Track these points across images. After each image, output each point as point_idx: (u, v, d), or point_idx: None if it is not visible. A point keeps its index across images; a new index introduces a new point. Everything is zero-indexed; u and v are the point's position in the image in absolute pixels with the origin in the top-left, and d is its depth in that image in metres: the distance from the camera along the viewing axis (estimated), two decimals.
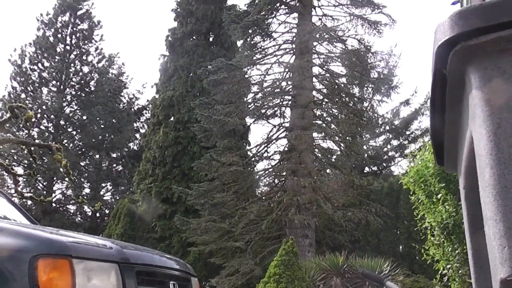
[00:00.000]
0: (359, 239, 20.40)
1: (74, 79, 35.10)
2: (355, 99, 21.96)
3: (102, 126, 34.17)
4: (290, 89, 20.92)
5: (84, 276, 2.83)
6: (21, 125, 27.22)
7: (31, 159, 24.02)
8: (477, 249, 1.73)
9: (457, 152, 1.58)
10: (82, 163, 33.89)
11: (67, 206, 33.15)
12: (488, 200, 1.21)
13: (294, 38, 21.27)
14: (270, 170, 20.95)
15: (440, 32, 1.29)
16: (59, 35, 35.13)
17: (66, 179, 24.61)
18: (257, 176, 21.23)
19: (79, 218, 33.05)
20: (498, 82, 1.23)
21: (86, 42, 35.53)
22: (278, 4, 21.67)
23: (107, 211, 31.22)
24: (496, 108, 1.22)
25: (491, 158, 1.20)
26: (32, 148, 17.63)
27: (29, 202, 25.33)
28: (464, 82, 1.32)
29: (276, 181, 21.26)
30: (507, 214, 1.16)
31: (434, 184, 8.09)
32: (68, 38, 35.28)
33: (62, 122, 34.25)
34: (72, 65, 35.11)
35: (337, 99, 20.94)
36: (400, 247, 21.35)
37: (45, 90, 34.65)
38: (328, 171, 20.93)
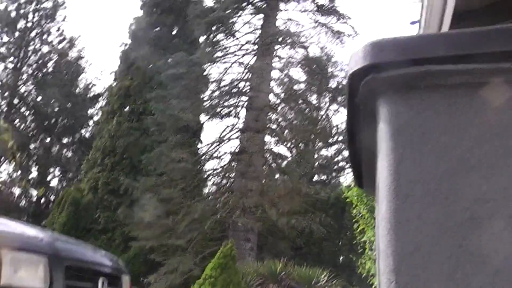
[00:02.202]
0: (301, 247, 20.40)
1: (32, 58, 34.27)
2: (311, 106, 21.99)
3: (56, 109, 33.39)
4: (248, 90, 20.78)
5: (11, 266, 2.78)
6: None
7: None
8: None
9: (374, 178, 1.53)
10: (32, 146, 33.08)
11: (12, 188, 32.32)
12: (382, 233, 1.22)
13: (257, 39, 21.20)
14: (219, 170, 20.80)
15: (354, 61, 1.29)
16: (22, 11, 34.22)
17: (12, 161, 23.97)
18: (206, 175, 21.07)
19: (24, 203, 32.24)
20: (405, 117, 1.24)
21: (48, 21, 34.69)
22: (244, 4, 21.51)
23: (52, 198, 30.54)
24: (399, 144, 1.23)
25: (389, 192, 1.22)
26: None
27: None
28: (375, 113, 1.31)
29: (224, 181, 21.09)
30: (397, 249, 1.18)
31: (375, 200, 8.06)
32: (30, 15, 34.43)
33: (15, 101, 33.37)
34: (31, 43, 34.29)
35: (293, 105, 20.92)
36: (341, 258, 21.43)
37: (1, 65, 33.74)
38: (277, 176, 20.86)
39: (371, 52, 1.26)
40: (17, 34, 33.93)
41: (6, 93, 33.05)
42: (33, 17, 34.45)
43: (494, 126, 1.18)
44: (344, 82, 21.76)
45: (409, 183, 1.19)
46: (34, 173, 32.61)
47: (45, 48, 34.57)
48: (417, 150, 1.21)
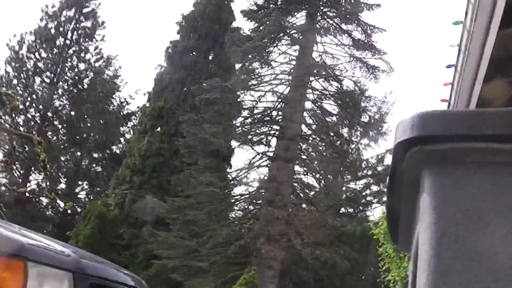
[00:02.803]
0: (323, 279, 20.32)
1: (68, 74, 34.99)
2: (342, 139, 22.05)
3: (89, 124, 34.00)
4: (280, 120, 20.97)
5: (37, 280, 2.75)
6: (7, 111, 26.95)
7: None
8: None
9: (411, 238, 1.57)
10: (62, 158, 33.61)
11: (40, 198, 32.82)
12: None
13: (292, 70, 21.39)
14: (246, 196, 20.90)
15: (400, 130, 1.28)
16: (61, 29, 35.06)
17: (42, 173, 24.34)
18: (233, 200, 21.19)
19: (50, 212, 32.66)
20: (449, 191, 1.23)
21: (86, 39, 35.48)
22: (281, 34, 21.76)
23: (79, 210, 30.92)
24: (442, 217, 1.21)
25: (429, 266, 1.20)
26: (13, 136, 17.56)
27: (3, 188, 25.00)
28: (418, 182, 1.31)
29: (251, 208, 21.18)
30: None
31: None
32: (69, 33, 35.22)
33: (49, 114, 34.02)
34: (68, 60, 35.02)
35: (324, 137, 21.02)
36: None
37: (38, 79, 34.47)
38: (304, 206, 20.91)
39: (419, 124, 1.26)
40: (55, 50, 34.72)
41: (41, 106, 33.72)
42: (72, 35, 35.26)
43: None
44: (377, 117, 21.91)
45: (449, 259, 1.18)
46: (62, 185, 33.08)
47: (82, 66, 35.33)
48: (459, 226, 1.20)
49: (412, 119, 1.27)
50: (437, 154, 1.24)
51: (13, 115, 23.36)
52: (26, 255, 2.69)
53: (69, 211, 32.03)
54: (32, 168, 31.36)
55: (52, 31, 34.69)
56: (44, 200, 32.89)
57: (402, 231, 1.64)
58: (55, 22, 34.85)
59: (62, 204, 31.06)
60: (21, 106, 31.28)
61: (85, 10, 35.59)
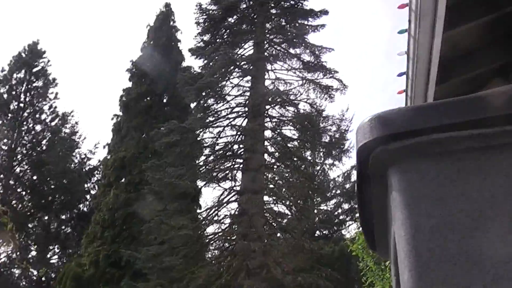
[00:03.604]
0: None
1: (26, 138, 34.49)
2: (306, 162, 22.12)
3: (53, 186, 33.41)
4: (242, 152, 20.89)
5: None
6: None
7: None
8: None
9: (387, 241, 1.60)
10: (30, 225, 32.87)
11: (12, 270, 31.92)
12: None
13: (247, 101, 21.43)
14: (220, 234, 20.63)
15: (361, 135, 1.32)
16: (13, 92, 34.69)
17: (11, 243, 23.76)
18: (207, 240, 20.90)
19: (24, 283, 31.79)
20: (417, 185, 1.26)
21: (40, 100, 35.11)
22: (232, 67, 21.84)
23: (53, 275, 30.16)
24: (414, 212, 1.24)
25: (410, 260, 1.22)
26: None
27: None
28: (385, 183, 1.34)
29: (226, 245, 20.92)
30: None
31: None
32: (22, 96, 34.86)
33: (11, 182, 33.35)
34: (24, 123, 34.56)
35: (288, 163, 21.00)
36: None
37: None
38: (278, 235, 20.77)
39: (377, 125, 1.30)
40: (9, 115, 34.22)
41: (1, 175, 33.05)
42: (25, 97, 34.88)
43: (505, 187, 1.21)
44: (337, 135, 22.01)
45: (427, 251, 1.20)
46: (33, 252, 32.29)
47: (38, 127, 34.93)
48: (432, 217, 1.22)
49: (370, 122, 1.31)
50: (400, 151, 1.27)
51: None
52: None
53: (43, 279, 31.21)
54: (0, 241, 30.54)
55: (5, 96, 34.29)
56: (16, 272, 32.04)
57: (378, 237, 1.67)
58: (7, 87, 34.46)
59: (35, 272, 30.33)
60: None
61: (35, 70, 35.31)
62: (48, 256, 32.52)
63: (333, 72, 21.21)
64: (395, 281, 1.65)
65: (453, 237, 1.20)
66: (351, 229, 27.16)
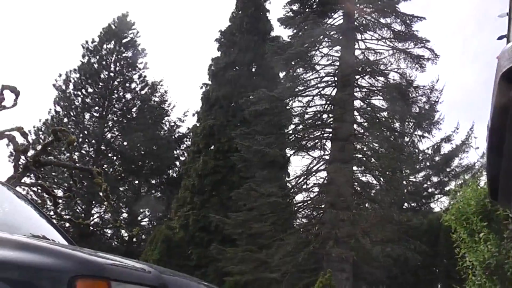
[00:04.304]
0: (396, 276, 20.06)
1: (116, 106, 35.70)
2: (395, 133, 21.84)
3: (143, 152, 34.57)
4: (331, 122, 20.94)
5: None
6: (63, 149, 27.67)
7: (71, 182, 24.58)
8: None
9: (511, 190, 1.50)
10: (121, 188, 34.28)
11: (105, 230, 33.52)
12: None
13: (337, 71, 21.36)
14: (308, 202, 20.90)
15: (504, 59, 1.23)
16: (104, 62, 35.86)
17: (105, 203, 24.93)
18: (296, 208, 21.22)
19: (116, 242, 33.31)
20: None
21: (130, 69, 36.15)
22: (321, 37, 21.76)
23: (143, 237, 31.43)
24: None
25: None
26: (73, 172, 18.00)
27: (67, 225, 25.67)
28: None
29: (315, 213, 21.16)
30: None
31: (476, 223, 8.00)
32: (112, 66, 35.98)
33: (103, 147, 34.76)
34: (115, 91, 35.73)
35: (377, 133, 20.84)
36: (439, 286, 20.94)
37: (87, 115, 35.28)
38: (367, 205, 20.78)
39: None
40: (100, 84, 35.46)
41: (93, 141, 34.50)
42: (115, 67, 35.98)
43: None
44: (427, 107, 21.60)
45: None
46: (124, 214, 33.70)
47: (128, 95, 35.95)
48: None
49: None
50: None
51: (70, 149, 24.01)
52: (109, 276, 2.71)
53: (134, 239, 32.60)
54: (93, 202, 32.09)
55: (95, 65, 35.52)
56: (109, 232, 33.64)
57: (502, 184, 1.62)
58: (97, 57, 35.68)
59: (126, 234, 31.66)
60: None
61: (124, 41, 36.31)
62: (139, 218, 33.91)
63: (424, 42, 20.78)
64: None
65: None
66: (440, 203, 26.73)
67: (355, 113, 21.18)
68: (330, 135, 20.75)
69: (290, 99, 21.59)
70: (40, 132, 33.29)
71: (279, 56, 21.41)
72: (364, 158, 20.93)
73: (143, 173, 34.28)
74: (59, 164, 17.10)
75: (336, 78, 21.32)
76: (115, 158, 35.38)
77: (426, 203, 26.86)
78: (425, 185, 26.96)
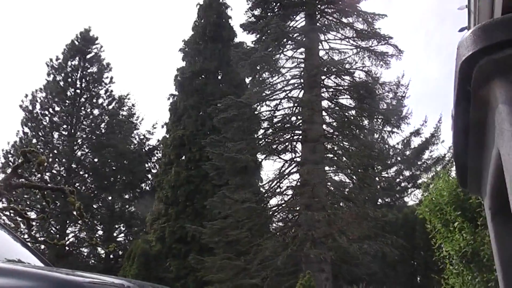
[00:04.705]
0: (376, 272, 20.13)
1: (84, 123, 35.40)
2: (365, 131, 21.98)
3: (114, 168, 34.33)
4: (300, 124, 20.98)
5: None
6: (33, 170, 27.25)
7: (44, 203, 24.21)
8: (506, 269, 1.69)
9: (482, 173, 1.53)
10: (94, 206, 33.94)
11: (81, 249, 33.12)
12: None
13: (302, 73, 21.43)
14: (283, 205, 20.88)
15: (463, 48, 1.25)
16: (69, 79, 35.55)
17: (80, 221, 24.68)
18: (271, 212, 21.18)
19: (93, 261, 32.93)
20: None
21: (96, 85, 35.89)
22: (285, 40, 21.84)
23: (120, 253, 31.15)
24: None
25: None
26: (45, 192, 17.75)
27: (42, 247, 25.33)
28: (489, 97, 1.28)
29: (290, 216, 21.16)
30: None
31: (450, 213, 8.05)
32: (78, 82, 35.70)
33: (74, 166, 34.41)
34: (82, 108, 35.44)
35: (347, 132, 20.97)
36: (418, 278, 21.10)
37: (56, 134, 34.92)
38: (341, 204, 20.84)
39: (481, 36, 1.23)
40: (67, 102, 35.14)
41: (64, 160, 34.08)
42: (81, 84, 35.72)
43: None
44: (394, 102, 21.79)
45: None
46: (100, 231, 33.38)
47: (96, 111, 35.74)
48: None
49: (473, 33, 1.24)
50: (506, 61, 1.20)
51: (41, 170, 23.60)
52: None
53: (111, 256, 32.26)
54: (67, 222, 31.68)
55: (61, 83, 35.20)
56: (85, 250, 33.24)
57: (471, 172, 1.61)
58: (62, 74, 35.37)
59: (102, 251, 31.33)
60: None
61: (88, 56, 36.08)
62: (115, 234, 33.60)
63: (387, 39, 20.97)
64: (490, 214, 1.60)
65: None
66: (413, 196, 27.01)
67: (324, 113, 21.27)
68: (300, 137, 20.78)
69: (258, 104, 21.57)
70: (9, 155, 32.86)
71: (244, 61, 21.39)
72: (336, 158, 21.01)
73: (116, 188, 33.98)
74: (31, 186, 16.77)
75: (302, 80, 21.38)
76: (86, 175, 35.03)
77: (400, 197, 27.14)
78: (398, 180, 27.25)
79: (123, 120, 35.88)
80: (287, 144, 21.20)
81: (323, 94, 21.38)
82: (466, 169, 1.61)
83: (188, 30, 28.76)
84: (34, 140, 33.88)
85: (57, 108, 34.95)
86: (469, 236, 7.50)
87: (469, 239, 7.52)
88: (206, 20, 27.90)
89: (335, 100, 21.73)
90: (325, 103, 21.53)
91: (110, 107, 35.73)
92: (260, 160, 22.16)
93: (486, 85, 1.26)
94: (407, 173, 27.68)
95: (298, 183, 20.29)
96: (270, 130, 21.63)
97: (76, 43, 36.27)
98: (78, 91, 35.61)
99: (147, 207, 28.14)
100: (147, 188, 34.36)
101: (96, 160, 34.50)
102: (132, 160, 33.87)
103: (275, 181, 20.95)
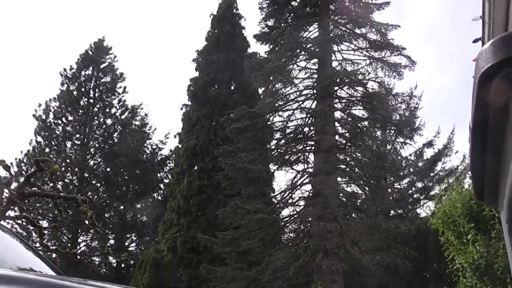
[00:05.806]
0: (388, 283, 20.00)
1: (97, 132, 35.58)
2: (377, 142, 21.92)
3: (126, 177, 34.45)
4: (313, 135, 20.97)
5: None
6: (46, 179, 27.41)
7: (56, 212, 24.33)
8: None
9: (499, 186, 1.50)
10: (106, 215, 34.03)
11: (92, 258, 33.19)
12: None
13: (315, 84, 21.44)
14: (295, 216, 20.83)
15: (483, 60, 1.22)
16: (83, 89, 35.81)
17: (91, 230, 24.73)
18: (283, 223, 21.14)
19: (104, 270, 32.98)
20: None
21: (109, 94, 36.11)
22: (298, 51, 21.87)
23: (132, 262, 31.17)
24: None
25: None
26: (58, 201, 17.85)
27: (54, 255, 25.36)
28: (508, 109, 1.25)
29: (302, 227, 21.10)
30: None
31: (463, 225, 8.00)
32: (91, 92, 35.93)
33: (86, 175, 34.56)
34: (95, 118, 35.64)
35: (360, 143, 20.90)
36: None
37: (69, 143, 35.11)
38: (353, 215, 20.76)
39: (502, 46, 1.20)
40: (80, 111, 35.37)
41: (76, 169, 34.26)
42: (94, 93, 35.95)
43: None
44: (407, 113, 21.73)
45: None
46: (111, 241, 33.44)
47: (109, 121, 35.90)
48: None
49: (493, 45, 1.21)
50: None
51: (53, 179, 23.77)
52: None
53: (123, 265, 32.31)
54: (79, 231, 31.79)
55: (75, 93, 35.45)
56: (97, 259, 33.31)
57: (487, 184, 1.57)
58: (76, 84, 35.63)
59: (114, 260, 31.38)
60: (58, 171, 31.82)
61: (102, 66, 36.33)
62: (126, 244, 33.67)
63: (400, 49, 20.96)
64: (508, 227, 1.63)
65: None
66: (426, 208, 26.85)
67: (336, 124, 21.25)
68: (313, 147, 20.77)
69: (271, 114, 21.60)
70: (22, 164, 33.05)
71: (257, 72, 21.44)
72: (348, 169, 20.95)
73: (128, 198, 34.08)
74: (43, 195, 16.83)
75: (315, 91, 21.40)
76: (99, 184, 35.16)
77: (412, 209, 26.98)
78: (410, 191, 27.11)
79: (135, 129, 36.05)
80: (299, 154, 21.19)
81: (336, 105, 21.36)
82: (483, 181, 1.58)
83: (202, 40, 28.98)
84: (47, 149, 34.07)
85: (70, 118, 35.20)
86: (482, 248, 7.45)
87: (482, 251, 7.46)
88: (219, 31, 28.05)
89: (347, 110, 21.69)
90: (337, 114, 21.52)
91: (123, 116, 35.92)
92: (272, 170, 22.15)
93: (506, 97, 1.24)
94: (419, 184, 27.54)
95: (310, 194, 20.26)
96: (283, 141, 21.64)
97: (90, 53, 36.57)
98: (91, 100, 35.84)
99: (159, 216, 28.20)
100: (159, 197, 34.46)
101: (108, 169, 34.64)
102: (144, 169, 33.99)
103: (287, 192, 20.92)
